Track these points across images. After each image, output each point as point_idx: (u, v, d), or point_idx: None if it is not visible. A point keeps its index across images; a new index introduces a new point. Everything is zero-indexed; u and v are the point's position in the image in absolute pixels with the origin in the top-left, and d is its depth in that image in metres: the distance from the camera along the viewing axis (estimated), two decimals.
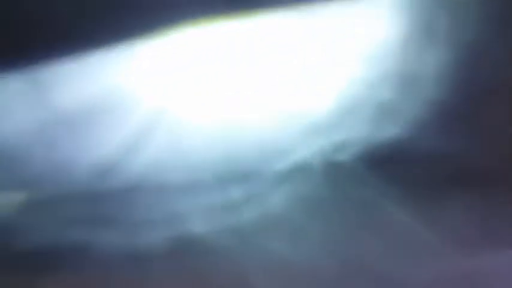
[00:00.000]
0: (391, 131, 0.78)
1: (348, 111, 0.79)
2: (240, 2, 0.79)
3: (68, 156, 0.87)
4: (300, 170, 0.81)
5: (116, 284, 0.61)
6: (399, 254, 0.60)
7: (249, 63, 0.81)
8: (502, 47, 0.74)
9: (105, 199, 0.83)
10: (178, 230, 0.69)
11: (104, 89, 0.83)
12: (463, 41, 0.74)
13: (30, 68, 0.85)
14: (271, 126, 0.81)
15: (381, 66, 0.77)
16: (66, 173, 0.87)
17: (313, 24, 0.78)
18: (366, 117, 0.78)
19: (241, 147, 0.83)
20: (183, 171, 0.86)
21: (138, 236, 0.69)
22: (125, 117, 0.84)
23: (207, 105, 0.82)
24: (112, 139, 0.85)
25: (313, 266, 0.60)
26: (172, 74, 0.82)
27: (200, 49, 0.81)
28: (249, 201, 0.75)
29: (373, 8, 0.75)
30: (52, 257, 0.68)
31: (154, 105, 0.83)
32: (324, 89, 0.79)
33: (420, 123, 0.77)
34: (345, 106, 0.79)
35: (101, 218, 0.76)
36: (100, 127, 0.85)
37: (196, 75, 0.82)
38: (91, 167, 0.86)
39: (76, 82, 0.84)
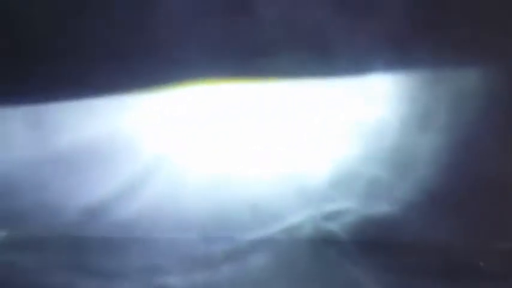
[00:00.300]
0: (381, 208, 0.78)
1: (342, 184, 0.79)
2: (249, 69, 0.81)
3: (58, 198, 0.87)
4: (288, 236, 0.80)
5: None
6: None
7: (250, 124, 0.82)
8: (498, 137, 0.75)
9: (89, 245, 0.81)
10: (156, 283, 0.68)
11: (104, 135, 0.84)
12: (458, 129, 0.76)
13: (32, 106, 0.86)
14: (265, 189, 0.81)
15: (377, 145, 0.78)
16: (53, 214, 0.87)
17: (316, 96, 0.80)
18: (359, 192, 0.78)
19: (232, 207, 0.83)
20: (170, 225, 0.85)
21: (115, 286, 0.68)
22: (120, 164, 0.84)
23: (204, 160, 0.83)
24: (105, 185, 0.85)
25: None
26: (175, 126, 0.83)
27: (205, 106, 0.82)
28: (230, 260, 0.74)
29: (375, 90, 0.77)
30: None
31: (151, 155, 0.83)
32: (320, 159, 0.80)
33: (411, 205, 0.77)
34: (339, 178, 0.79)
35: (81, 266, 0.75)
36: (94, 171, 0.85)
37: (197, 131, 0.83)
38: (79, 210, 0.86)
39: (78, 125, 0.85)
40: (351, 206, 0.78)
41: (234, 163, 0.82)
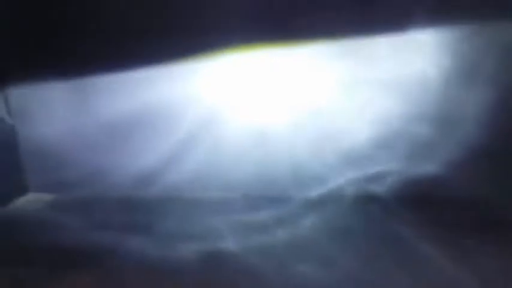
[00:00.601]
0: (426, 168, 0.78)
1: (384, 145, 0.79)
2: (288, 31, 0.80)
3: (106, 162, 0.89)
4: (332, 199, 0.81)
5: None
6: None
7: (291, 86, 0.82)
8: None
9: (140, 207, 0.84)
10: (209, 246, 0.70)
11: (149, 102, 0.86)
12: (506, 86, 0.75)
13: (77, 76, 0.88)
14: (307, 151, 0.82)
15: (420, 103, 0.78)
16: (103, 178, 0.89)
17: (357, 53, 0.79)
18: (402, 152, 0.79)
19: (275, 170, 0.84)
20: (217, 188, 0.87)
21: (168, 247, 0.70)
22: (165, 130, 0.86)
23: (246, 125, 0.84)
24: (152, 149, 0.87)
25: None
26: (216, 93, 0.84)
27: (245, 71, 0.83)
28: (279, 223, 0.75)
29: (418, 45, 0.76)
30: (74, 255, 0.69)
31: (196, 121, 0.85)
32: (362, 120, 0.80)
33: (456, 164, 0.77)
34: (381, 139, 0.79)
35: (133, 226, 0.77)
36: (141, 137, 0.87)
37: (240, 95, 0.84)
38: (129, 174, 0.88)
39: (123, 93, 0.87)
40: (395, 167, 0.79)
41: (276, 126, 0.83)
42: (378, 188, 0.80)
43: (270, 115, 0.83)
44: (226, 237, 0.72)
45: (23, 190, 0.93)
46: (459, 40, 0.75)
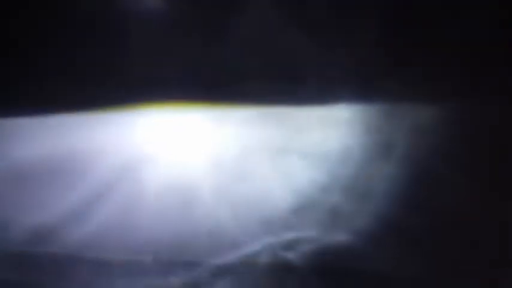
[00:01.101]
0: (340, 237, 0.79)
1: (300, 212, 0.80)
2: (217, 94, 0.82)
3: (8, 213, 0.83)
4: (246, 265, 0.79)
5: None
6: None
7: (211, 149, 0.82)
8: (458, 172, 0.78)
9: (38, 265, 0.78)
10: None
11: (63, 152, 0.83)
12: (416, 162, 0.79)
13: None
14: (223, 215, 0.81)
15: (338, 175, 0.80)
16: (2, 230, 0.83)
17: (280, 123, 0.81)
18: (317, 220, 0.79)
19: (189, 233, 0.82)
20: (125, 248, 0.83)
21: None
22: (74, 181, 0.82)
23: (165, 184, 0.82)
24: (57, 202, 0.83)
25: None
26: (133, 147, 0.83)
27: (170, 128, 0.83)
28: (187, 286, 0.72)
29: (340, 120, 0.80)
30: None
31: (108, 175, 0.82)
32: (279, 187, 0.80)
33: (367, 235, 0.78)
34: (297, 206, 0.80)
35: (28, 285, 0.71)
36: (50, 188, 0.83)
37: (162, 153, 0.82)
38: (30, 228, 0.83)
39: (31, 138, 0.83)
40: (310, 234, 0.79)
41: (196, 187, 0.82)
42: (292, 256, 0.79)
43: (191, 176, 0.82)
44: None
45: None
46: (376, 118, 0.80)
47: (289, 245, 0.79)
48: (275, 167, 0.81)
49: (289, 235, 0.79)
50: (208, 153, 0.82)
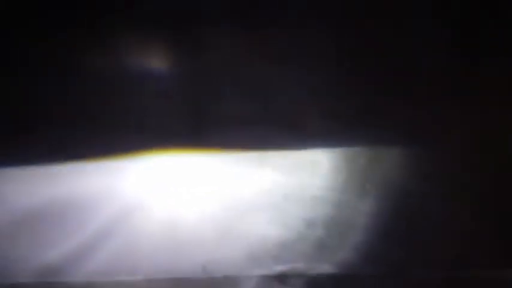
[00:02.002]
0: (326, 268, 0.85)
1: (289, 246, 0.86)
2: (201, 140, 0.88)
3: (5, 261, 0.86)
4: None
5: None
6: None
7: (200, 191, 0.88)
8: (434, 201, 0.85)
9: None
10: None
11: (58, 201, 0.86)
12: (386, 199, 0.86)
13: None
14: (215, 250, 0.86)
15: (320, 209, 0.87)
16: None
17: (264, 166, 0.88)
18: (305, 253, 0.86)
19: (182, 269, 0.86)
20: None
21: None
22: (78, 223, 0.86)
23: (156, 224, 0.87)
24: (55, 248, 0.86)
25: None
26: (128, 193, 0.87)
27: (159, 173, 0.88)
28: None
29: (318, 162, 0.88)
30: None
31: (104, 220, 0.86)
32: (269, 222, 0.87)
33: (351, 267, 0.85)
34: (286, 241, 0.86)
35: None
36: (48, 233, 0.86)
37: (151, 197, 0.88)
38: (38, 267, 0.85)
39: (32, 184, 0.87)
40: (299, 266, 0.85)
41: (187, 226, 0.87)
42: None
43: (184, 217, 0.87)
44: None
45: None
46: (347, 160, 0.88)
47: (277, 277, 0.85)
48: (263, 205, 0.87)
49: (277, 268, 0.85)
50: (200, 191, 0.88)
